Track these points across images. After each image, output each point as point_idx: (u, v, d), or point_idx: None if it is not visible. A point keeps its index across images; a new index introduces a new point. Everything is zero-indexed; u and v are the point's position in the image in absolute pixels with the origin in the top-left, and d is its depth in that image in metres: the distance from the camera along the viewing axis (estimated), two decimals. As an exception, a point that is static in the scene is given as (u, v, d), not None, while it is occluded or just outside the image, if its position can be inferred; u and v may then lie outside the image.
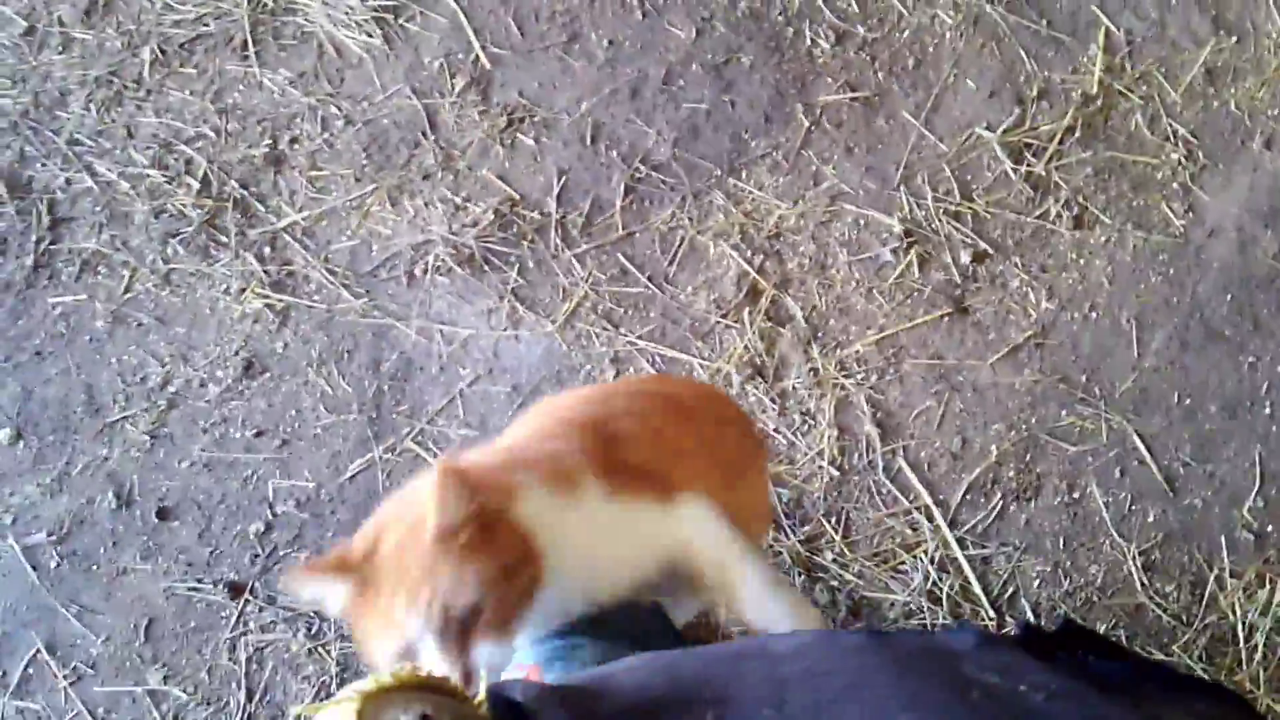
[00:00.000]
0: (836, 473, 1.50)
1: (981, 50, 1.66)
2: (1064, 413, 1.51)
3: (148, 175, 1.67)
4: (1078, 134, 1.62)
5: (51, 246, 1.66)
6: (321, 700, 1.26)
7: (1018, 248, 1.58)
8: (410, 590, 0.71)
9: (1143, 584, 1.43)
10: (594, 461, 0.81)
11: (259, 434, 1.57)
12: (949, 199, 1.61)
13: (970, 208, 1.60)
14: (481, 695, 0.49)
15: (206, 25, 1.72)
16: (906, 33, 1.67)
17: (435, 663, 0.70)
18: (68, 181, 1.68)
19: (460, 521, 0.73)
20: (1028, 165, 1.61)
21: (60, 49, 1.74)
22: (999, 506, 1.48)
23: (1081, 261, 1.57)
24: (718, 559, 0.84)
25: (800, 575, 1.46)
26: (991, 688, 0.49)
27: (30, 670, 1.47)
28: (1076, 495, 1.48)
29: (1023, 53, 1.65)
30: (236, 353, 1.60)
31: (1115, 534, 1.46)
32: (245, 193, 1.65)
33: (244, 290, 1.61)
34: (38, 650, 1.47)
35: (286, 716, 1.42)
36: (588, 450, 0.83)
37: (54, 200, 1.67)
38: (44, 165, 1.69)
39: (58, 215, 1.67)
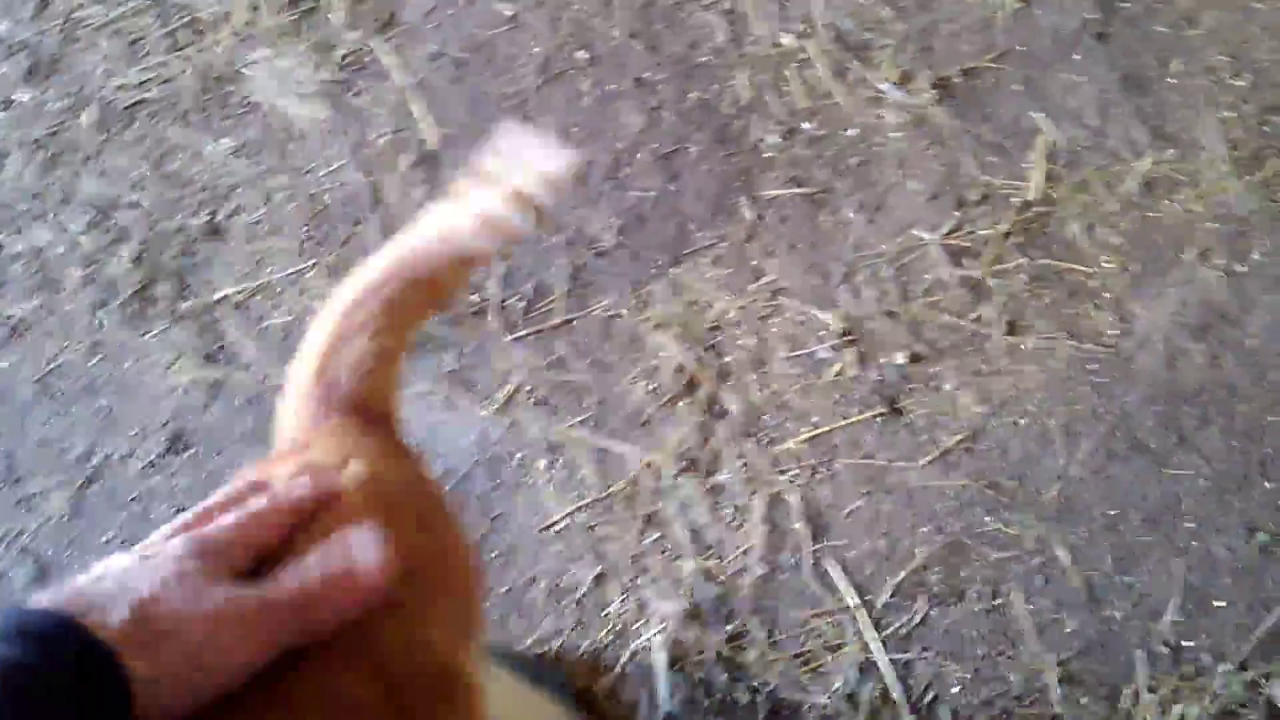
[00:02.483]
0: (765, 570, 1.65)
1: (925, 152, 1.84)
2: (990, 518, 1.67)
3: (81, 242, 1.80)
4: (1016, 240, 1.80)
5: (-21, 309, 1.78)
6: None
7: (953, 351, 1.75)
8: None
9: (1060, 695, 1.59)
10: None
11: (180, 510, 1.68)
12: (888, 299, 1.78)
13: (908, 309, 1.77)
14: None
15: (150, 91, 1.87)
16: (852, 131, 1.85)
17: None
18: (0, 244, 1.81)
19: None
20: (965, 269, 1.78)
21: (0, 107, 1.88)
22: (923, 610, 1.63)
23: (1014, 368, 1.74)
24: None
25: (722, 674, 1.59)
26: None
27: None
28: (999, 602, 1.64)
29: (965, 157, 1.84)
30: (163, 426, 1.73)
31: (1035, 643, 1.61)
32: (181, 263, 1.78)
33: (174, 362, 1.74)
34: (-58, 728, 1.58)
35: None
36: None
37: (-16, 261, 1.81)
38: (-24, 225, 1.82)
39: (-13, 277, 1.80)
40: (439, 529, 0.83)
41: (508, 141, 0.89)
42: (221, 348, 1.75)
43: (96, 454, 1.71)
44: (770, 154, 1.84)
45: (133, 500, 1.69)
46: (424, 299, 0.87)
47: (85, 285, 1.78)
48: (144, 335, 1.76)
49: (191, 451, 1.71)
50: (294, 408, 0.84)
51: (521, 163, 0.88)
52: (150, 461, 1.71)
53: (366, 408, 0.86)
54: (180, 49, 1.87)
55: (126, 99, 1.86)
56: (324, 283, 1.77)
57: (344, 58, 1.87)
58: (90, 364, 1.74)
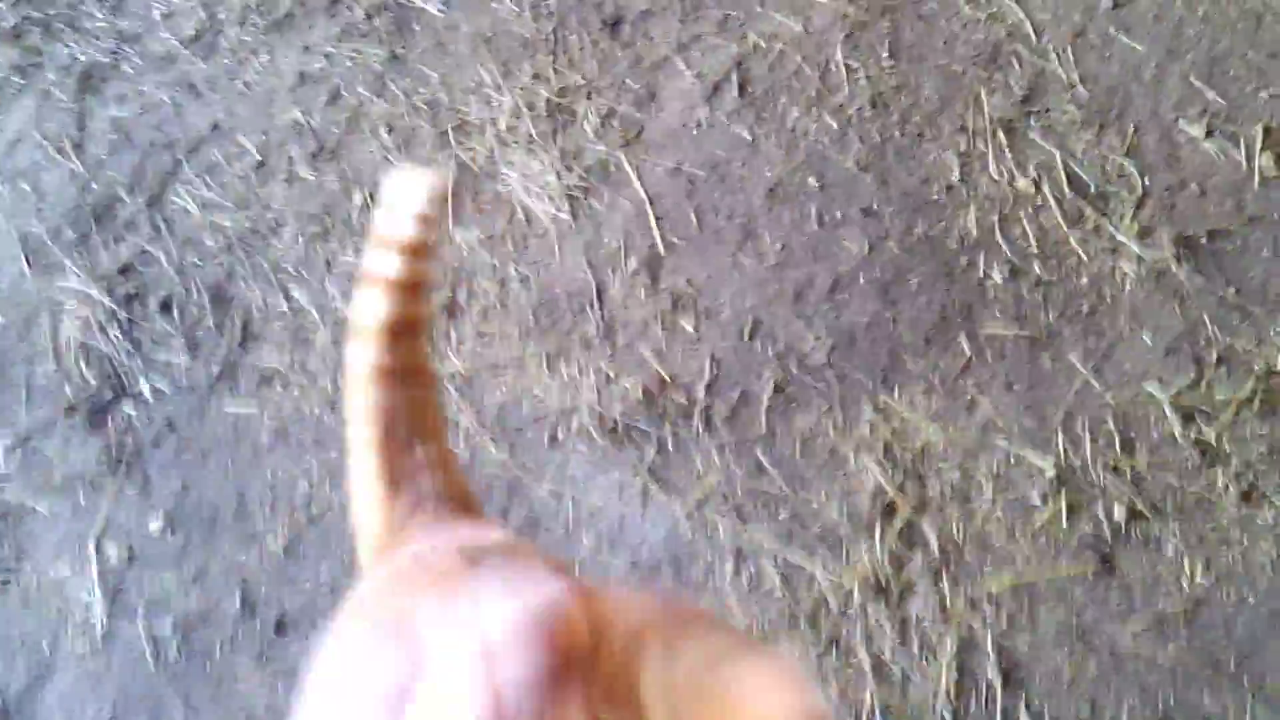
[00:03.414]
0: (950, 714, 1.64)
1: (1162, 307, 1.87)
2: (1209, 699, 1.61)
3: (336, 308, 2.07)
4: (1256, 407, 1.78)
5: (237, 359, 2.06)
6: None
7: (1177, 513, 1.73)
8: None
9: None
10: None
11: (382, 566, 1.86)
12: (1109, 451, 1.78)
13: (1131, 464, 1.77)
14: None
15: (416, 181, 2.15)
16: (1084, 279, 1.90)
17: None
18: (265, 302, 2.10)
19: None
20: (1198, 431, 1.77)
21: (285, 183, 2.21)
22: (1125, 789, 1.57)
23: (1245, 540, 1.70)
24: None
25: (895, 820, 1.58)
26: None
27: (130, 756, 1.76)
28: (1215, 794, 1.56)
29: (1206, 316, 1.85)
30: (378, 484, 1.92)
31: (1254, 847, 1.52)
32: (418, 336, 2.02)
33: (398, 426, 1.95)
34: (141, 737, 1.76)
35: None
36: None
37: (249, 318, 2.09)
38: (248, 284, 2.12)
39: (250, 331, 2.08)
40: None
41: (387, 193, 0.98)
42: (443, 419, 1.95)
43: (317, 502, 1.92)
44: (994, 292, 1.91)
45: (344, 550, 1.87)
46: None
47: (333, 347, 2.03)
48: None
49: (400, 511, 1.89)
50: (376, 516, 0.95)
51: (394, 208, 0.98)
52: (361, 516, 1.90)
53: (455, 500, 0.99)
54: (447, 146, 2.16)
55: (394, 186, 2.15)
56: (540, 370, 1.95)
57: (589, 166, 2.11)
58: (326, 419, 1.97)
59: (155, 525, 1.95)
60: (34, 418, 2.08)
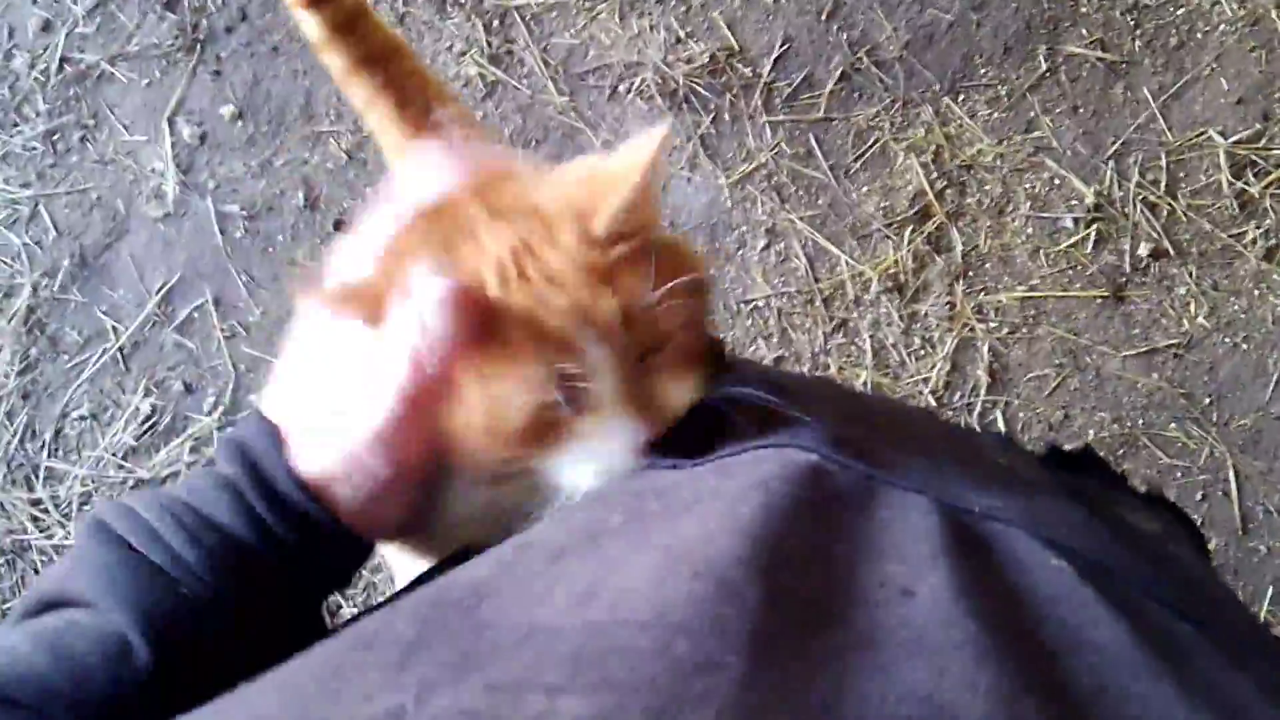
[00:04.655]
0: (934, 402, 1.86)
1: (1248, 55, 1.88)
2: (1173, 425, 1.81)
3: (414, -82, 2.10)
4: (1310, 168, 1.85)
5: (313, -45, 2.12)
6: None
7: (1199, 258, 1.85)
8: (585, 305, 0.62)
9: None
10: None
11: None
12: (1153, 188, 1.88)
13: (1170, 203, 1.87)
14: None
15: None
16: (1180, 10, 1.90)
17: (615, 406, 0.64)
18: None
19: (634, 226, 0.65)
20: (1245, 183, 1.85)
21: None
22: (1075, 490, 1.81)
23: (1256, 293, 1.83)
24: None
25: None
26: (1000, 467, 0.63)
27: (195, 315, 2.02)
28: (1153, 507, 1.80)
29: (1289, 68, 1.87)
30: (440, 107, 2.05)
31: (1173, 554, 1.78)
32: (494, -38, 2.06)
33: (464, 54, 2.04)
34: (206, 301, 2.01)
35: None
36: None
37: (327, -87, 2.13)
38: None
39: (327, -72, 2.12)
40: None
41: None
42: (508, 52, 2.04)
43: (379, 114, 2.05)
44: (1086, 9, 1.93)
45: (399, 164, 2.04)
46: None
47: (407, -41, 2.09)
48: (444, 20, 2.06)
49: (458, 136, 2.03)
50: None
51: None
52: (421, 135, 2.04)
53: None
54: None
55: None
56: (612, 18, 2.01)
57: None
58: (395, 32, 2.06)
59: (227, 110, 2.10)
60: (110, -15, 2.17)
